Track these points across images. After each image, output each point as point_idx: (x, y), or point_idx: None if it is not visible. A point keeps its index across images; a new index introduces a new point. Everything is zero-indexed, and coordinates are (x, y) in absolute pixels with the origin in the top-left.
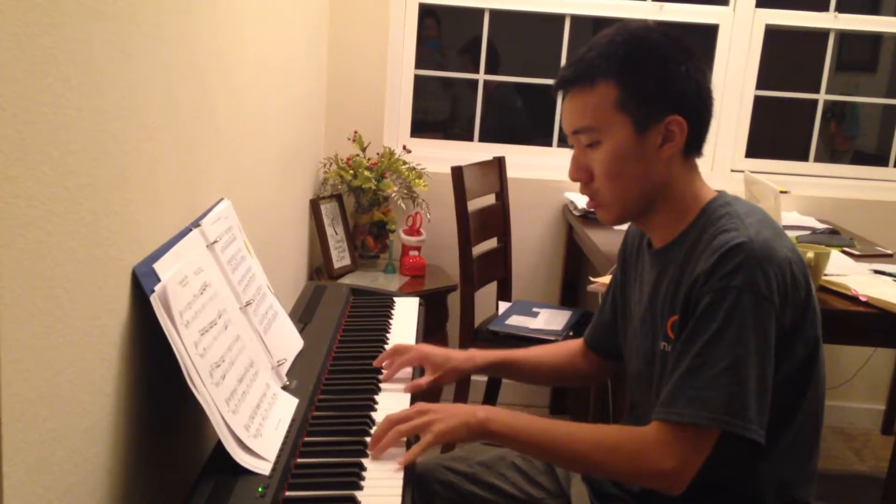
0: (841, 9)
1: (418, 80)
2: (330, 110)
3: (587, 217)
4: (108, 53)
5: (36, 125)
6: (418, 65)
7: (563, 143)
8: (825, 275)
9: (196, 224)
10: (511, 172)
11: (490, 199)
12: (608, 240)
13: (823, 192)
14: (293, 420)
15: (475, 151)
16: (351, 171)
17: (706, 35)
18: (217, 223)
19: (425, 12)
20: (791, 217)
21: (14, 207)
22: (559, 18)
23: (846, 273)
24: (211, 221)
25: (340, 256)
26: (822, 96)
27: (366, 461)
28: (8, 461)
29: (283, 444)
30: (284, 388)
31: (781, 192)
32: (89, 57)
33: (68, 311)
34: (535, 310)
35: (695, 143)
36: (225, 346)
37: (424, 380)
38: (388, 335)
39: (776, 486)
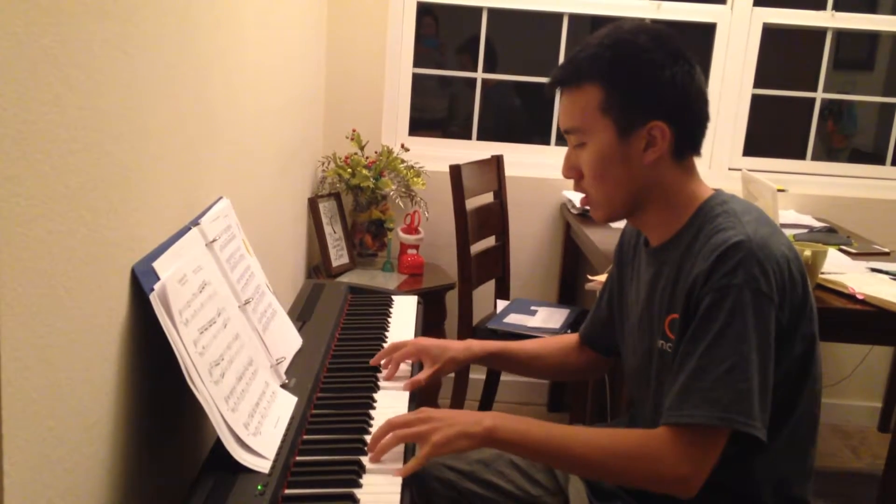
0: (838, 7)
1: (416, 79)
2: (328, 109)
3: (585, 215)
4: (109, 53)
5: (37, 124)
6: (416, 63)
7: (560, 141)
8: (822, 273)
9: (195, 223)
10: (509, 171)
11: (488, 198)
12: (606, 238)
13: (821, 190)
14: (292, 418)
15: (473, 150)
16: (349, 170)
17: (704, 33)
18: (216, 222)
19: (424, 11)
20: (788, 215)
21: (15, 206)
22: (557, 17)
23: (843, 271)
24: (210, 220)
25: (339, 255)
26: (819, 95)
27: (365, 459)
28: (9, 459)
29: (283, 442)
30: (283, 386)
31: (779, 190)
32: (90, 56)
33: (68, 309)
34: (533, 308)
35: (687, 144)
36: (224, 345)
37: (423, 375)
38: (386, 333)
39: (774, 483)
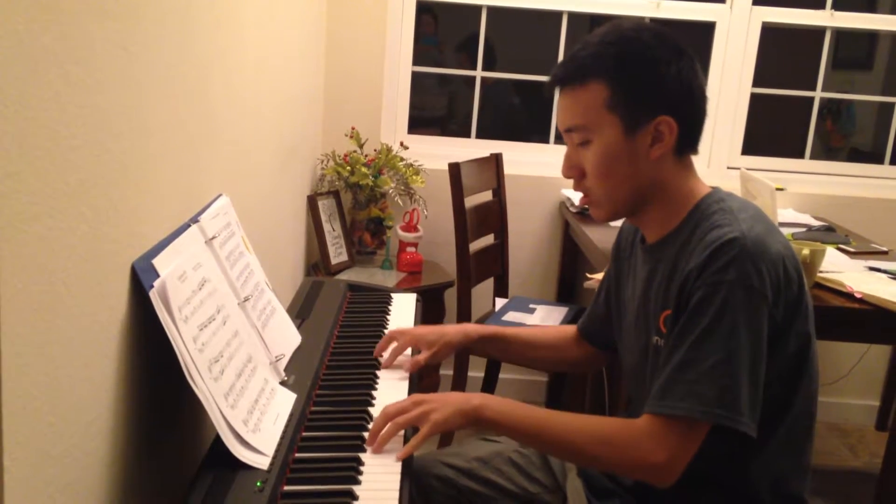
0: (837, 6)
1: (416, 77)
2: (327, 107)
3: (584, 214)
4: (109, 51)
5: (37, 122)
6: (416, 61)
7: (559, 140)
8: (821, 272)
9: (195, 220)
10: (508, 169)
11: (487, 196)
12: (604, 236)
13: (819, 189)
14: (291, 415)
15: (472, 148)
16: (348, 168)
17: (703, 32)
18: (216, 219)
19: (423, 9)
20: (787, 214)
21: (15, 203)
22: (556, 15)
23: (841, 270)
24: (210, 217)
25: (338, 252)
26: (818, 94)
27: (364, 455)
28: (9, 455)
29: (282, 438)
30: (282, 383)
31: (777, 189)
32: (90, 54)
33: (68, 306)
34: (531, 306)
35: (688, 141)
36: (223, 342)
37: (422, 357)
38: (385, 331)
39: (770, 480)
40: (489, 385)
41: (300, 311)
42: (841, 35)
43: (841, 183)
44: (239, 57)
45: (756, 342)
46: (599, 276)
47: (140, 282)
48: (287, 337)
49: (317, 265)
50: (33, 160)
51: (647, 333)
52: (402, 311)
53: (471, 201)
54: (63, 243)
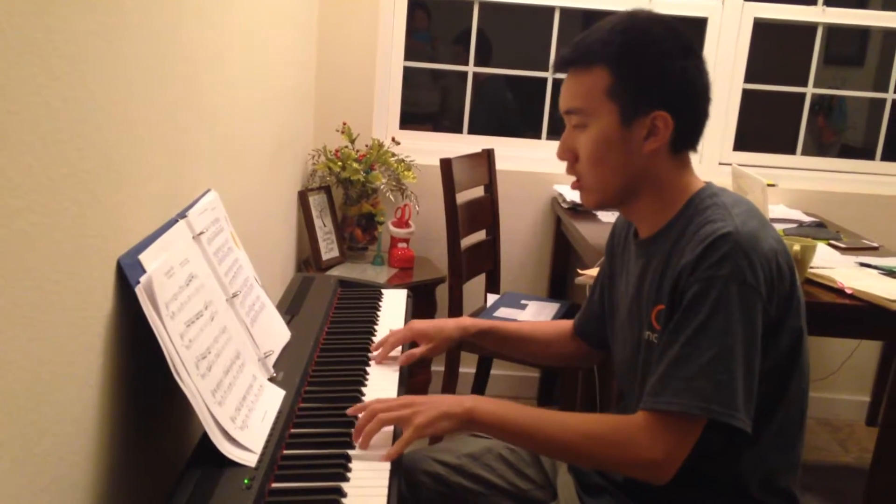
0: (829, 3)
1: (409, 73)
2: (319, 101)
3: (576, 209)
4: (94, 43)
5: (19, 115)
6: (409, 57)
7: (552, 135)
8: (811, 267)
9: (182, 215)
10: (500, 165)
11: (479, 192)
12: (596, 232)
13: (811, 185)
14: (280, 412)
15: (464, 143)
16: (339, 163)
17: (695, 28)
18: (204, 214)
19: (416, 4)
20: (778, 210)
21: None
22: (549, 11)
23: (832, 266)
24: (197, 213)
25: (329, 248)
26: (809, 90)
27: (352, 452)
28: None
29: (270, 435)
30: (271, 379)
31: (769, 185)
32: (74, 47)
33: (52, 302)
34: (523, 302)
35: (685, 139)
36: (211, 338)
37: (418, 350)
38: (375, 327)
39: (761, 475)
40: (481, 381)
41: (290, 308)
42: (833, 31)
43: (832, 179)
44: (228, 50)
45: (750, 337)
46: (591, 271)
47: (126, 278)
48: (276, 333)
49: (308, 261)
50: (15, 154)
51: (640, 328)
52: (393, 307)
53: (462, 197)
54: (46, 238)
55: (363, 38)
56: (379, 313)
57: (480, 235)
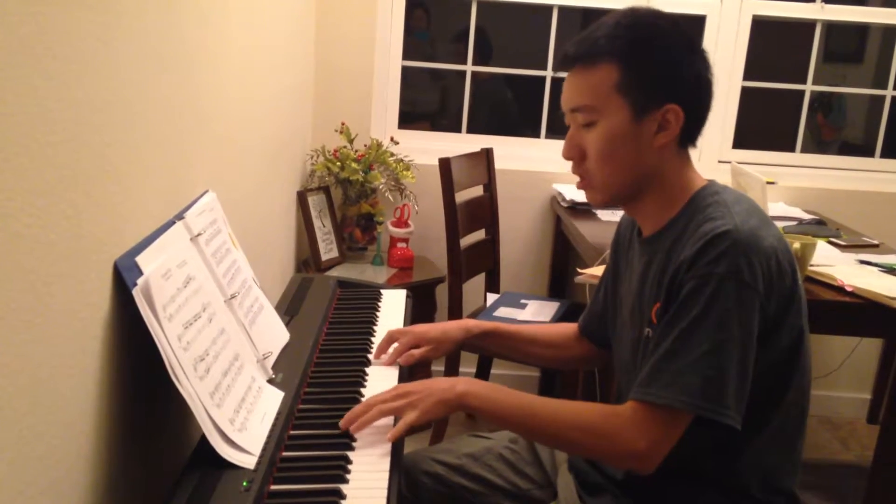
0: (828, 0)
1: (408, 72)
2: (317, 102)
3: (575, 208)
4: (90, 43)
5: (14, 117)
6: (407, 56)
7: (551, 134)
8: (812, 265)
9: (180, 216)
10: (499, 164)
11: (478, 191)
12: (596, 231)
13: (810, 182)
14: (279, 413)
15: (463, 143)
16: (338, 163)
17: (694, 26)
18: (201, 215)
19: (414, 3)
20: (778, 208)
21: None
22: (547, 9)
23: (832, 263)
24: (195, 214)
25: (328, 249)
26: (808, 87)
27: (352, 454)
28: None
29: (269, 437)
30: (270, 381)
31: (768, 182)
32: (69, 47)
33: (49, 305)
34: (522, 301)
35: (691, 133)
36: (209, 340)
37: (418, 352)
38: (375, 327)
39: (761, 474)
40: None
41: (289, 309)
42: (832, 28)
43: (832, 176)
44: (226, 50)
45: (745, 335)
46: (591, 270)
47: (123, 280)
48: (275, 334)
49: (307, 261)
50: (10, 156)
51: (641, 326)
52: (393, 307)
53: (462, 196)
54: (42, 241)
55: (361, 38)
56: (378, 313)
57: (480, 235)
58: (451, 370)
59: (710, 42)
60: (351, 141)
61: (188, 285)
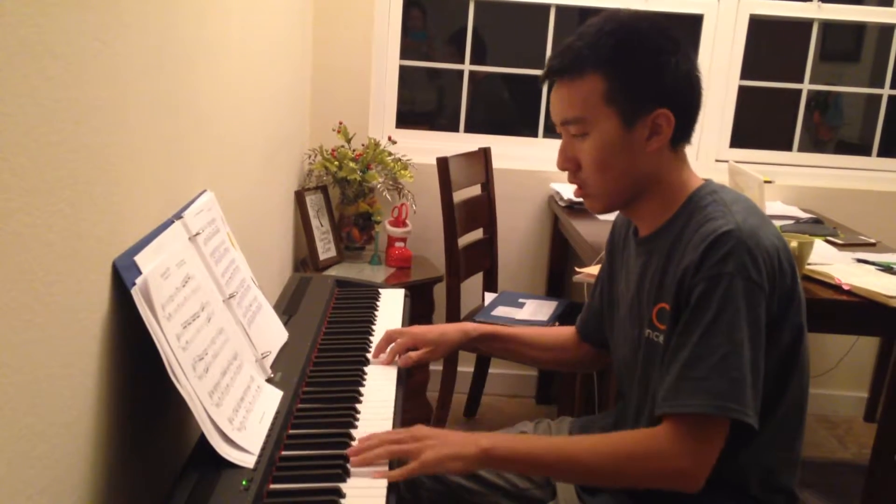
0: None
1: (405, 72)
2: (315, 101)
3: (573, 208)
4: (88, 43)
5: (12, 117)
6: (405, 55)
7: (548, 133)
8: (809, 264)
9: (178, 216)
10: (497, 163)
11: (476, 190)
12: (594, 230)
13: (807, 181)
14: (278, 412)
15: (461, 142)
16: (336, 163)
17: (691, 25)
18: (200, 215)
19: (411, 3)
20: (775, 206)
21: None
22: (545, 9)
23: (830, 262)
24: (193, 213)
25: (326, 248)
26: (805, 86)
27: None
28: None
29: (268, 436)
30: (269, 380)
31: (765, 181)
32: (68, 47)
33: (47, 304)
34: (520, 301)
35: (683, 133)
36: (208, 339)
37: (416, 354)
38: (373, 327)
39: (760, 472)
40: (479, 381)
41: (287, 308)
42: (828, 27)
43: (829, 175)
44: (223, 50)
45: (756, 333)
46: (589, 270)
47: (122, 279)
48: (274, 334)
49: (305, 261)
50: (8, 156)
51: (640, 326)
52: (391, 306)
53: (459, 196)
54: (40, 240)
55: (358, 38)
56: (377, 313)
57: (478, 234)
58: (450, 368)
59: (707, 41)
60: (349, 140)
61: (187, 285)
